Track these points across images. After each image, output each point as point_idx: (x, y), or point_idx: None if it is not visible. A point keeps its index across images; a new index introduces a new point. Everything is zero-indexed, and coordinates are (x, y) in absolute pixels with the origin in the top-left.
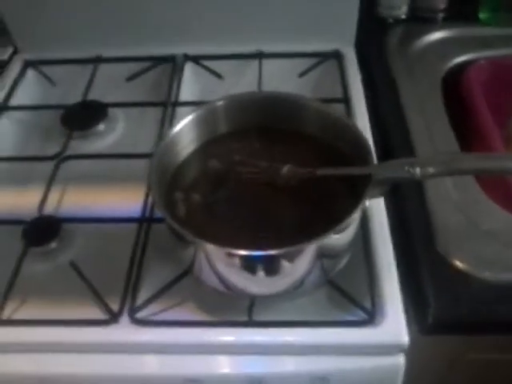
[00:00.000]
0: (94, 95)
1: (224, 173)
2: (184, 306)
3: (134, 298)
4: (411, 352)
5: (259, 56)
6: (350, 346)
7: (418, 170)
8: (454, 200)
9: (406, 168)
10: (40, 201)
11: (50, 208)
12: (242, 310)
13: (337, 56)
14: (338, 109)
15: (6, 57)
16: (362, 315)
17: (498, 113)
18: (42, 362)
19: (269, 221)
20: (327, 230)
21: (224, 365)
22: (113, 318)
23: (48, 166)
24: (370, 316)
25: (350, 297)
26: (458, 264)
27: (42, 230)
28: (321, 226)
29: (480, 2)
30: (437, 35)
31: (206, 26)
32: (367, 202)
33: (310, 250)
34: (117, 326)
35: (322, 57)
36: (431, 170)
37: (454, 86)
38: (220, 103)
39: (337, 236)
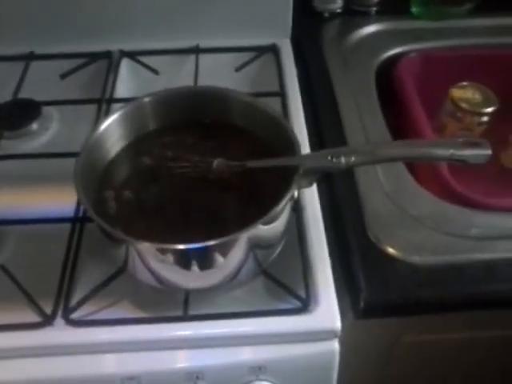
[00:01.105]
0: (26, 93)
1: (155, 169)
2: (119, 305)
3: (67, 299)
4: (348, 338)
5: (196, 51)
6: (286, 334)
7: (342, 160)
8: (384, 187)
9: (330, 157)
10: None
11: None
12: (178, 305)
13: (273, 50)
14: (275, 102)
15: None
16: (296, 303)
17: (429, 103)
18: None
19: (202, 215)
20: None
21: (161, 361)
22: (46, 321)
23: None
24: (304, 304)
25: (284, 286)
26: (389, 249)
27: None
28: (253, 218)
29: None
30: (370, 29)
31: (142, 22)
32: (296, 192)
33: (241, 241)
34: (51, 328)
35: (258, 51)
36: (355, 158)
37: (386, 78)
38: (147, 99)
39: (267, 226)
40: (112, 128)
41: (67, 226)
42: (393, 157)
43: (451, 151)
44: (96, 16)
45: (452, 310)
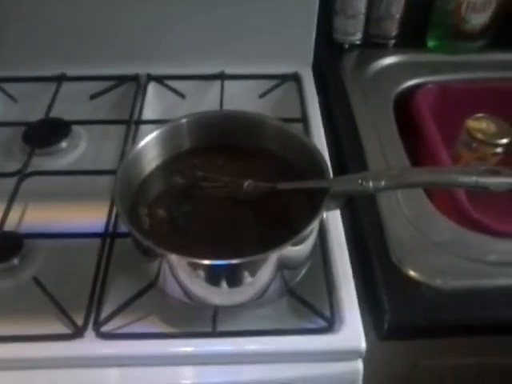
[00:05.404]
0: (56, 113)
1: (187, 188)
2: (149, 319)
3: (98, 312)
4: (370, 358)
5: (221, 77)
6: (311, 353)
7: (370, 184)
8: (406, 213)
9: (360, 181)
10: (1, 217)
11: (11, 224)
12: (206, 321)
13: (295, 78)
14: (297, 128)
15: None
16: (321, 323)
17: (446, 133)
18: (5, 378)
19: (231, 234)
20: (286, 241)
21: (188, 376)
22: (77, 332)
23: (9, 183)
24: (329, 323)
25: (309, 305)
26: (411, 273)
27: (4, 246)
28: (281, 238)
29: (428, 30)
30: (389, 60)
31: (170, 47)
32: (324, 215)
33: (270, 261)
34: (82, 340)
35: (281, 79)
36: (383, 183)
37: (404, 108)
38: (184, 120)
39: (296, 247)
40: (149, 146)
41: (97, 240)
42: (420, 182)
43: (475, 178)
44: (125, 41)
45: (474, 334)
